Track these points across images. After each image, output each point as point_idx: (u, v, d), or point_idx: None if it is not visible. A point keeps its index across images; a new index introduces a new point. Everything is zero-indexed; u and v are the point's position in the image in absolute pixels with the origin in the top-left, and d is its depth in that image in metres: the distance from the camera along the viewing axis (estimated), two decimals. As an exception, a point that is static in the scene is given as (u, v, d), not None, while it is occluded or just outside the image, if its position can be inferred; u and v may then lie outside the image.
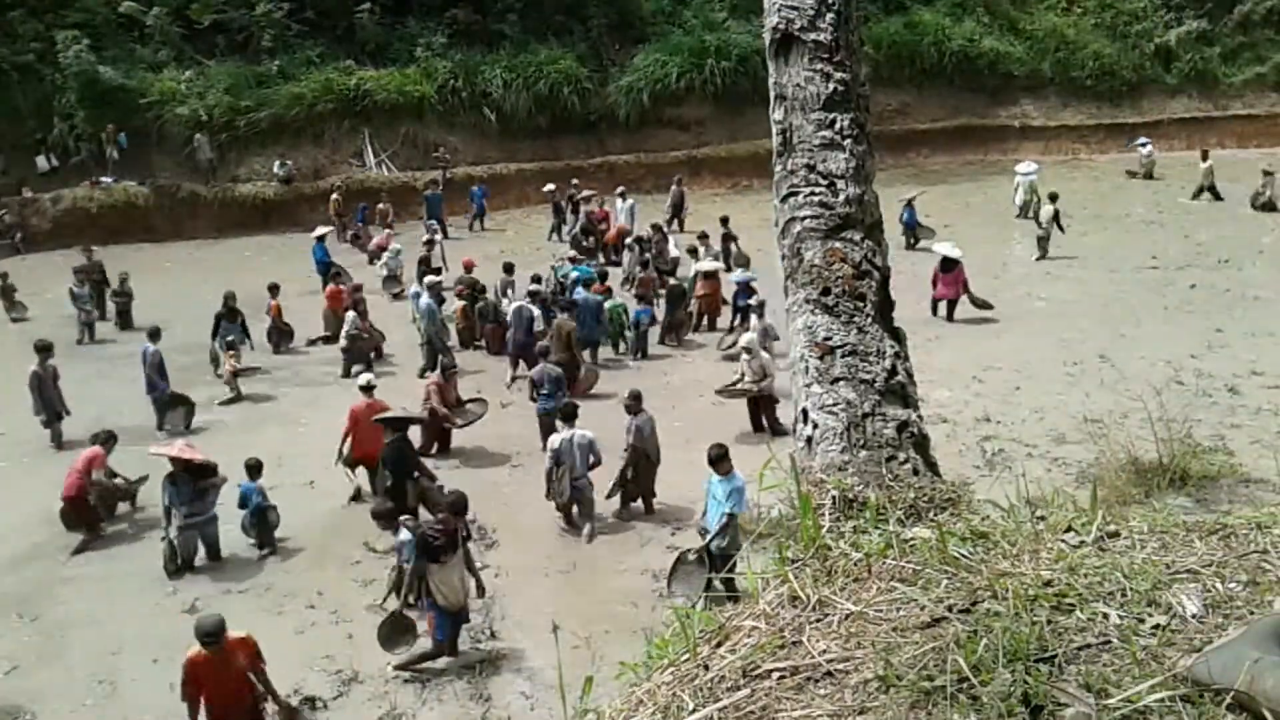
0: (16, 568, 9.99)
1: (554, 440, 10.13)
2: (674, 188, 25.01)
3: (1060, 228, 20.19)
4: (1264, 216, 22.80)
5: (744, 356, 12.25)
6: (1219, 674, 1.59)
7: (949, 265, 16.47)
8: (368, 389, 11.44)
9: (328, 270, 19.40)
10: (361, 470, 11.16)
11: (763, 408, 12.20)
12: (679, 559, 8.76)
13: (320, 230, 20.73)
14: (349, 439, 11.08)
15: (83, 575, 9.72)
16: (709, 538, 8.52)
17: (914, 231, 21.36)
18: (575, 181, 25.51)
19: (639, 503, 10.53)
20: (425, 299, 15.09)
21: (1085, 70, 32.49)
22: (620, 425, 10.61)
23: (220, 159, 26.71)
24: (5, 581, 9.72)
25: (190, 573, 9.63)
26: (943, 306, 16.65)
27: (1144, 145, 28.70)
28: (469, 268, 17.96)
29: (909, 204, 21.47)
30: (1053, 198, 20.50)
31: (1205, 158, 25.67)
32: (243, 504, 10.13)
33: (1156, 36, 32.79)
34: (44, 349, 13.04)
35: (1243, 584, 1.97)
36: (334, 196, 25.11)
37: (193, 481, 9.73)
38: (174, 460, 9.75)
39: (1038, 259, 19.96)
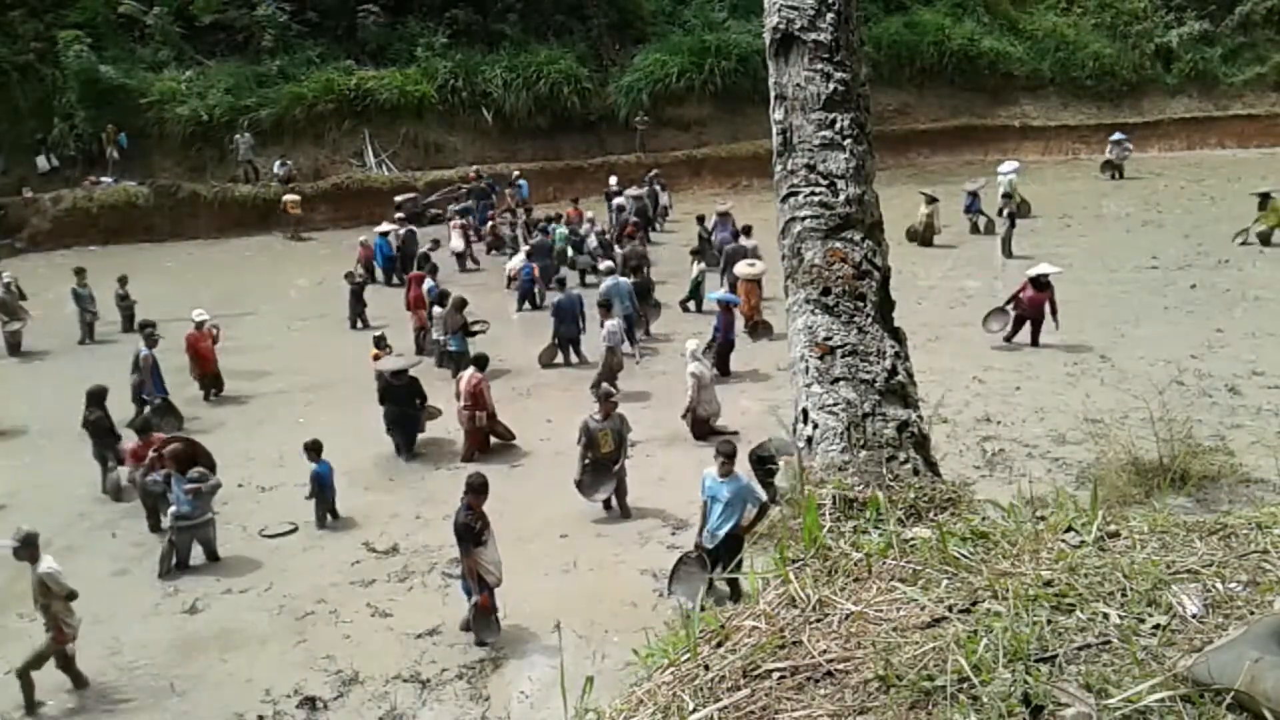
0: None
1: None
2: (647, 187, 24.85)
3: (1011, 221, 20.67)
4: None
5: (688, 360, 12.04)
6: (1219, 674, 1.59)
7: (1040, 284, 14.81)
8: (200, 324, 14.40)
9: (392, 265, 20.53)
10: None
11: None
12: (680, 560, 8.75)
13: (384, 226, 21.46)
14: (193, 361, 14.31)
15: (83, 575, 9.71)
16: (705, 533, 8.53)
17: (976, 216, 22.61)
18: (655, 171, 25.99)
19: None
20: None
21: (1085, 70, 32.52)
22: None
23: (220, 158, 26.73)
24: (6, 581, 9.72)
25: (190, 573, 9.64)
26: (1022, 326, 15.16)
27: (1121, 140, 28.57)
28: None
29: (974, 194, 22.56)
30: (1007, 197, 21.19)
31: (930, 201, 21.54)
32: (320, 485, 10.39)
33: (1157, 37, 32.81)
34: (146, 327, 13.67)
35: (1243, 584, 1.97)
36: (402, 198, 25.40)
37: (183, 473, 9.73)
38: (170, 456, 9.75)
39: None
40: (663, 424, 12.38)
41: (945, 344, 14.88)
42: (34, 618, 8.95)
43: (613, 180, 25.32)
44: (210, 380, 14.53)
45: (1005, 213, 20.84)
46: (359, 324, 17.44)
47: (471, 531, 8.00)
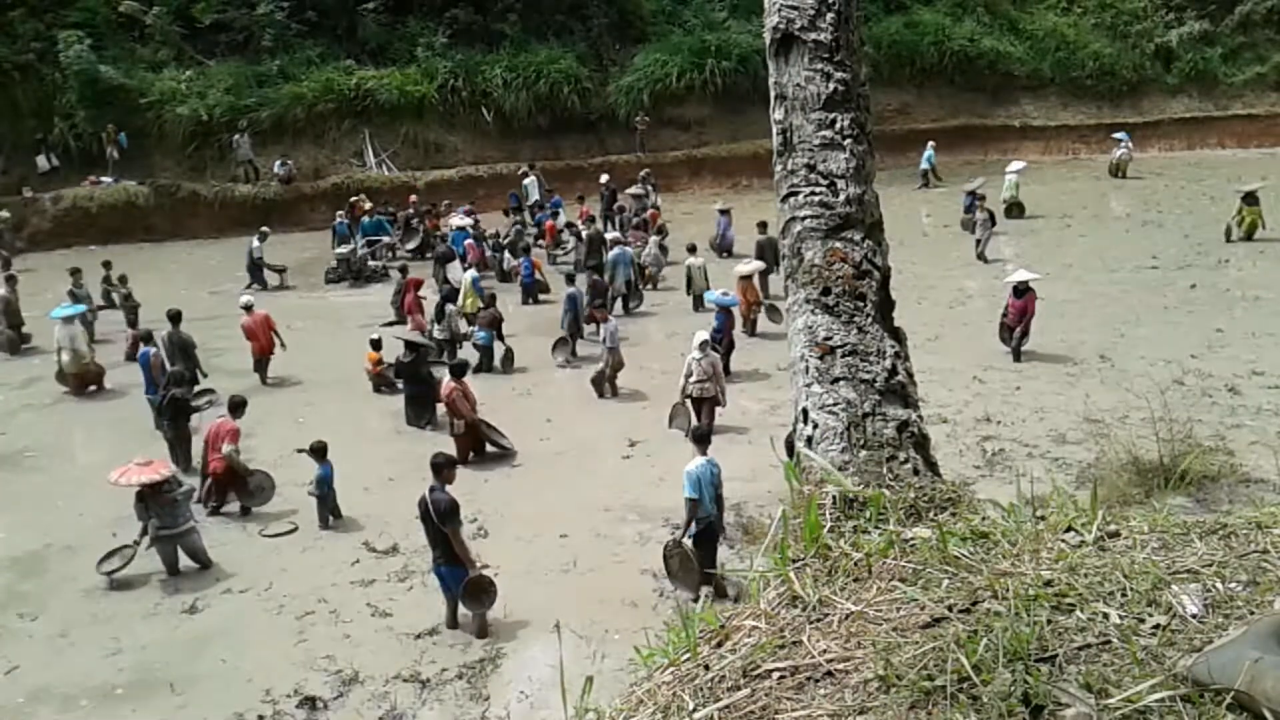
0: (17, 566, 10.00)
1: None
2: (641, 186, 24.69)
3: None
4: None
5: (695, 355, 11.92)
6: (1219, 674, 1.58)
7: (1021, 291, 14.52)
8: (248, 307, 14.85)
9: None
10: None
11: (705, 409, 11.96)
12: (665, 553, 8.81)
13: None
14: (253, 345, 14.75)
15: (85, 575, 9.71)
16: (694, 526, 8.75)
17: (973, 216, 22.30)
18: (646, 171, 25.84)
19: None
20: None
21: (1085, 70, 32.51)
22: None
23: (220, 158, 26.71)
24: (6, 581, 9.73)
25: (190, 573, 9.62)
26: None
27: (1121, 138, 28.59)
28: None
29: (974, 194, 22.14)
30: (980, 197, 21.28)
31: (692, 251, 18.02)
32: (321, 487, 10.44)
33: (1157, 36, 32.80)
34: (173, 318, 14.10)
35: (1243, 584, 1.97)
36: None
37: (158, 496, 9.60)
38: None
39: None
40: (663, 423, 12.38)
41: (945, 344, 14.87)
42: (34, 617, 8.98)
43: (604, 178, 25.35)
44: (265, 363, 14.99)
45: (981, 217, 20.54)
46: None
47: (458, 509, 8.19)
